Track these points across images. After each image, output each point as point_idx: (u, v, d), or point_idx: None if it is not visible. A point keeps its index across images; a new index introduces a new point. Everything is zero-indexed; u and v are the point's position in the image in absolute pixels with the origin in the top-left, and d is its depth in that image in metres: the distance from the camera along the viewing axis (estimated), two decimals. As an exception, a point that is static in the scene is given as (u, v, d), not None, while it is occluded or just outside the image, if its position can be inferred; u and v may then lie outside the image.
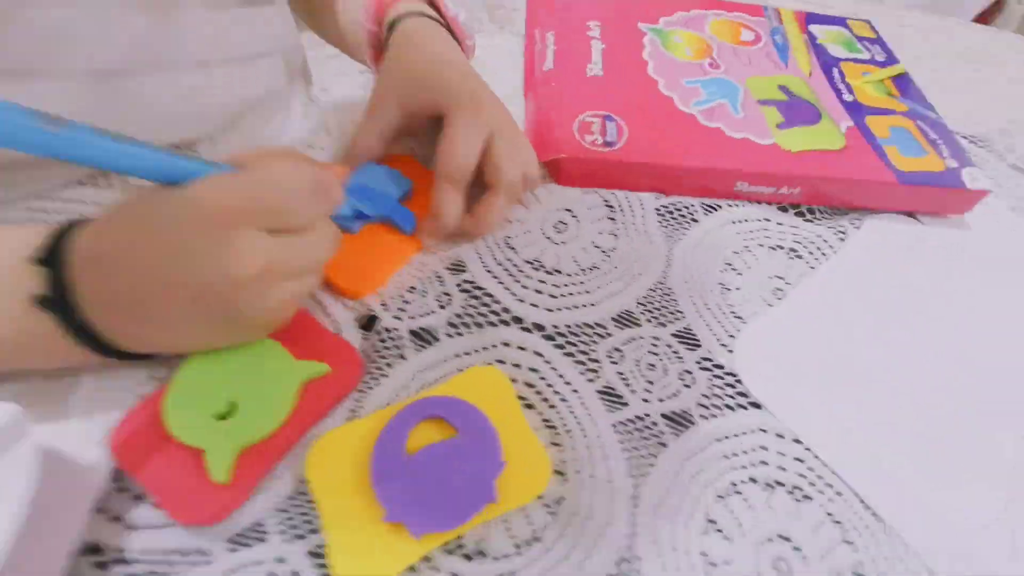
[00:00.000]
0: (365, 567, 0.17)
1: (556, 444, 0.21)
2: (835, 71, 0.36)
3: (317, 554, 0.18)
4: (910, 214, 0.32)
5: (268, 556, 0.18)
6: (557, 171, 0.30)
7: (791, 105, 0.33)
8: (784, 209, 0.31)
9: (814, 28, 0.40)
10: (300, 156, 0.21)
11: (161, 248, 0.17)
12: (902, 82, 0.37)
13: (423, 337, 0.24)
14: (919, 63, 0.40)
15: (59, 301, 0.17)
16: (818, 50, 0.38)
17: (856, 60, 0.38)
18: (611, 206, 0.30)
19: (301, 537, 0.18)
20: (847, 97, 0.35)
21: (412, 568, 0.18)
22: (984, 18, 1.10)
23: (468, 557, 0.18)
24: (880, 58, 0.39)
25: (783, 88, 0.34)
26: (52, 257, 0.17)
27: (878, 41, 0.40)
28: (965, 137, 0.38)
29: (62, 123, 0.15)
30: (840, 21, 0.42)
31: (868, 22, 0.42)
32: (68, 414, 0.19)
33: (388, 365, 0.23)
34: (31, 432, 0.16)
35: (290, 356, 0.21)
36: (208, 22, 0.26)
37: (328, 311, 0.24)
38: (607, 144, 0.30)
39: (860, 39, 0.40)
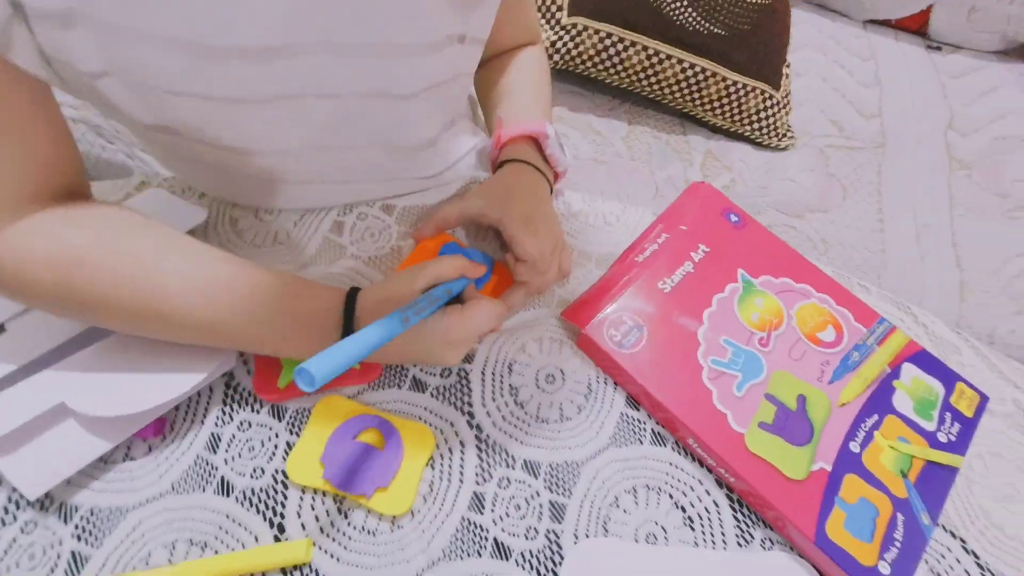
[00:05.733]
0: (299, 475, 0.34)
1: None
2: (871, 418, 0.37)
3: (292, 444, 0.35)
4: None
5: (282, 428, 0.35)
6: (576, 336, 0.40)
7: (789, 417, 0.37)
8: (720, 485, 0.37)
9: (907, 367, 0.40)
10: (492, 301, 0.37)
11: (420, 345, 0.34)
12: (936, 472, 0.36)
13: (420, 384, 0.38)
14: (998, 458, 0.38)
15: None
16: (881, 391, 0.39)
17: (911, 424, 0.38)
18: (590, 388, 0.39)
19: (297, 433, 0.35)
20: (853, 447, 0.36)
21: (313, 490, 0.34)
22: None
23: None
24: (943, 440, 0.38)
25: (801, 398, 0.38)
26: (349, 308, 0.34)
27: (968, 424, 0.38)
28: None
29: (404, 318, 0.30)
30: (952, 379, 0.40)
31: (985, 397, 0.40)
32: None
33: (384, 387, 0.38)
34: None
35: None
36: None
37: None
38: (620, 345, 0.39)
39: (948, 407, 0.39)
